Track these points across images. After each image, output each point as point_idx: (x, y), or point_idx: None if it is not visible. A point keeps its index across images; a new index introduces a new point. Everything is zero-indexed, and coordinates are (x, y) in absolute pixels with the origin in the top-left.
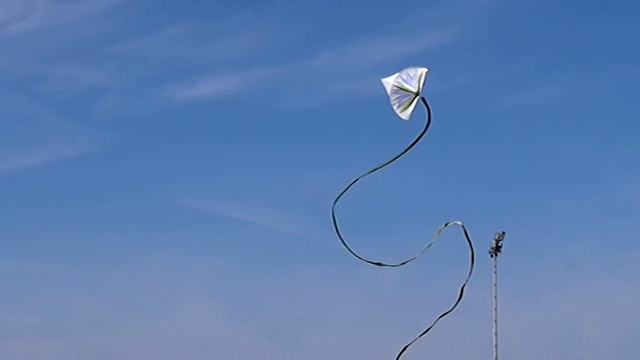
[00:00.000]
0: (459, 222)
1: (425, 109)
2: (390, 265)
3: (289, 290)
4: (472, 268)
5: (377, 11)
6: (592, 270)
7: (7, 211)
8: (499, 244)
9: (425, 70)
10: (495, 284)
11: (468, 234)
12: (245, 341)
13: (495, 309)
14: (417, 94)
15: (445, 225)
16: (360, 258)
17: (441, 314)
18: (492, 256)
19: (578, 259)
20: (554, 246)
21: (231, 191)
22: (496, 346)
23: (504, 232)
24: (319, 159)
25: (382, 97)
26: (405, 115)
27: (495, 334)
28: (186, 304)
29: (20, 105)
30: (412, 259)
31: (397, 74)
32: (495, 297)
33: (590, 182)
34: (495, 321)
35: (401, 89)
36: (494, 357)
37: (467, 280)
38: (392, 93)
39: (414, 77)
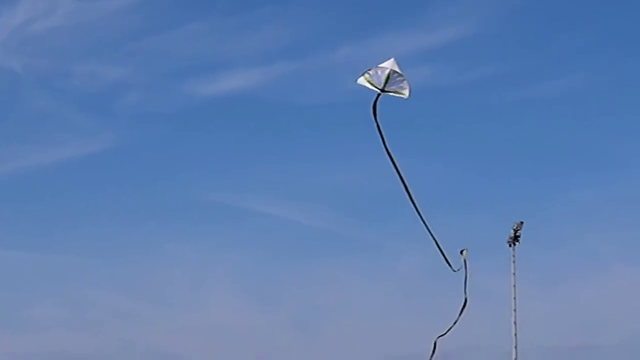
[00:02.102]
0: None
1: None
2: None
3: (312, 280)
4: (466, 295)
5: (397, 4)
6: (611, 258)
7: (32, 206)
8: (517, 234)
9: (406, 96)
10: (514, 273)
11: (467, 263)
12: (271, 330)
13: (514, 298)
14: (382, 91)
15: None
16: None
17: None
18: (510, 245)
19: (597, 247)
20: (573, 235)
21: (254, 184)
22: (515, 335)
23: (522, 222)
24: (340, 152)
25: None
26: (360, 80)
27: (515, 322)
28: (211, 295)
29: (44, 102)
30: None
31: (399, 71)
32: (514, 286)
33: (609, 170)
34: (515, 310)
35: (386, 78)
36: (514, 345)
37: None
38: (380, 68)
39: (396, 89)
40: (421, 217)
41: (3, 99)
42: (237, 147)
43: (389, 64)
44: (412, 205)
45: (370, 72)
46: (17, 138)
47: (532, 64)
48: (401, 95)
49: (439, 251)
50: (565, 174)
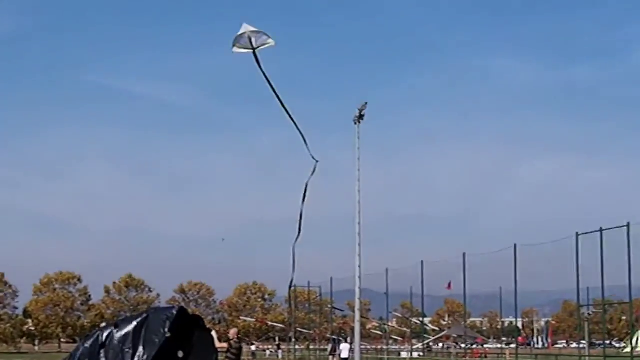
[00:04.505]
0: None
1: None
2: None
3: (183, 154)
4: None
5: None
6: (442, 135)
7: None
8: (362, 113)
9: (273, 43)
10: (359, 148)
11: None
12: (145, 197)
13: (359, 170)
14: (254, 49)
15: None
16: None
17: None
18: (355, 123)
19: (430, 125)
20: (410, 114)
21: (131, 67)
22: (359, 202)
23: (366, 103)
24: (208, 38)
25: None
26: (234, 49)
27: (359, 191)
28: (91, 167)
29: None
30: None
31: (255, 29)
32: (359, 159)
33: (442, 57)
34: (359, 180)
35: (249, 39)
36: (357, 211)
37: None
38: (240, 34)
39: (263, 42)
40: (287, 111)
41: None
42: (115, 31)
43: (244, 29)
44: (279, 103)
45: (238, 40)
46: None
47: None
48: (270, 45)
49: (303, 142)
50: (405, 62)
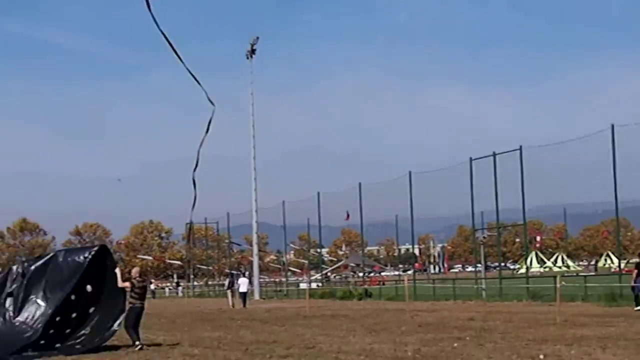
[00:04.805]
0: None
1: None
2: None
3: (76, 98)
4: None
5: None
6: (339, 69)
7: None
8: (254, 48)
9: None
10: (252, 82)
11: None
12: (37, 141)
13: (252, 104)
14: None
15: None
16: (205, 93)
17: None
18: (248, 58)
19: (328, 59)
20: (308, 48)
21: (48, 16)
22: (254, 136)
23: (257, 37)
24: None
25: None
26: None
27: (253, 126)
28: (9, 125)
29: None
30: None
31: None
32: (252, 93)
33: None
34: (252, 115)
35: None
36: (252, 145)
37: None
38: None
39: None
40: (178, 56)
41: None
42: None
43: None
44: (170, 47)
45: None
46: None
47: None
48: None
49: (200, 88)
50: None
